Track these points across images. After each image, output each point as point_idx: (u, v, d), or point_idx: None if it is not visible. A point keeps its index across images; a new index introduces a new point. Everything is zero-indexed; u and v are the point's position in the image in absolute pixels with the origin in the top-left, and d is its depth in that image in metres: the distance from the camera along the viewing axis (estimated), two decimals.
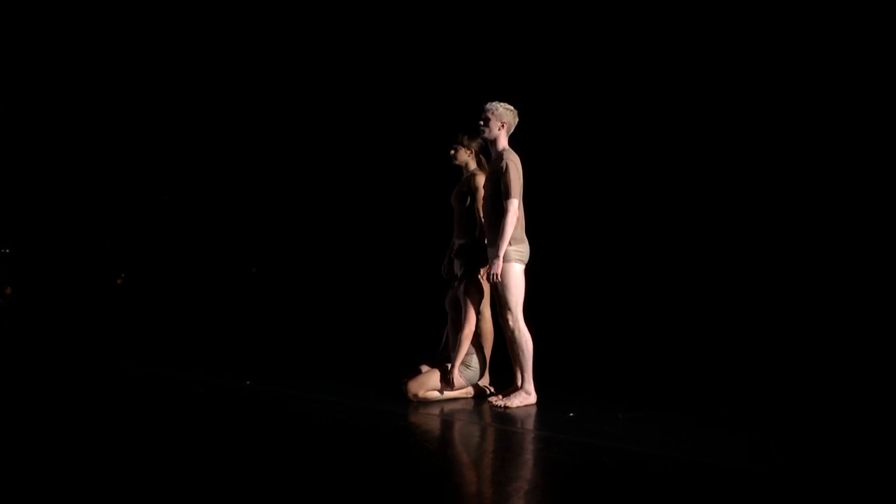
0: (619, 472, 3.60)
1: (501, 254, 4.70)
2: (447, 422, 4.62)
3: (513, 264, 4.75)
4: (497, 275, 4.71)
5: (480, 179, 5.09)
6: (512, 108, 4.92)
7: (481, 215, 5.04)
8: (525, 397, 4.84)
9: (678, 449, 3.93)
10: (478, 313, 5.02)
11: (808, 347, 6.96)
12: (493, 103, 4.89)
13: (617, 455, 3.81)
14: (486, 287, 5.10)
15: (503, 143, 4.89)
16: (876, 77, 7.43)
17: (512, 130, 4.93)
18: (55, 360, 6.49)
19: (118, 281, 12.53)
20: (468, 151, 5.21)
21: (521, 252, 4.79)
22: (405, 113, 10.04)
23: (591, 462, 3.73)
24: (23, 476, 3.50)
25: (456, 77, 9.32)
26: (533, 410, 4.76)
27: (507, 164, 4.76)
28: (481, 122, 4.89)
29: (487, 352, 5.27)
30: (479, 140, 5.08)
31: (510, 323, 4.79)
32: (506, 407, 4.79)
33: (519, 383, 4.89)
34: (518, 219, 4.77)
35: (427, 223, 7.84)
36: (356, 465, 3.74)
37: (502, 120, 4.87)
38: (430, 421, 4.62)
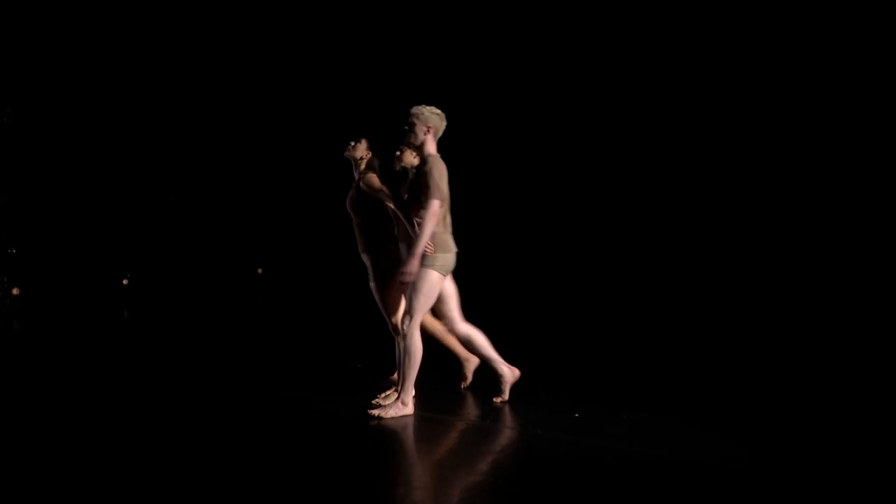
0: (621, 472, 3.62)
1: (418, 252, 4.49)
2: (449, 422, 4.63)
3: (429, 270, 4.56)
4: (410, 273, 4.50)
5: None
6: (439, 111, 4.70)
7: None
8: (401, 408, 4.62)
9: (679, 449, 3.94)
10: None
11: (807, 347, 6.95)
12: (419, 107, 4.68)
13: (619, 455, 3.83)
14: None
15: (430, 147, 4.66)
16: (876, 77, 7.42)
17: (440, 135, 4.72)
18: (60, 361, 6.52)
19: (124, 282, 12.56)
20: (414, 154, 4.92)
21: (442, 260, 4.59)
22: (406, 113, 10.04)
23: (593, 462, 3.75)
24: (25, 475, 3.53)
25: (454, 78, 9.34)
26: (536, 411, 4.75)
27: (431, 167, 4.56)
28: (406, 128, 4.69)
29: (456, 347, 5.17)
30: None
31: (404, 327, 4.59)
32: (379, 418, 4.57)
33: (398, 393, 4.68)
34: (443, 225, 4.61)
35: None
36: (357, 465, 3.76)
37: (428, 124, 4.65)
38: (431, 421, 4.65)
